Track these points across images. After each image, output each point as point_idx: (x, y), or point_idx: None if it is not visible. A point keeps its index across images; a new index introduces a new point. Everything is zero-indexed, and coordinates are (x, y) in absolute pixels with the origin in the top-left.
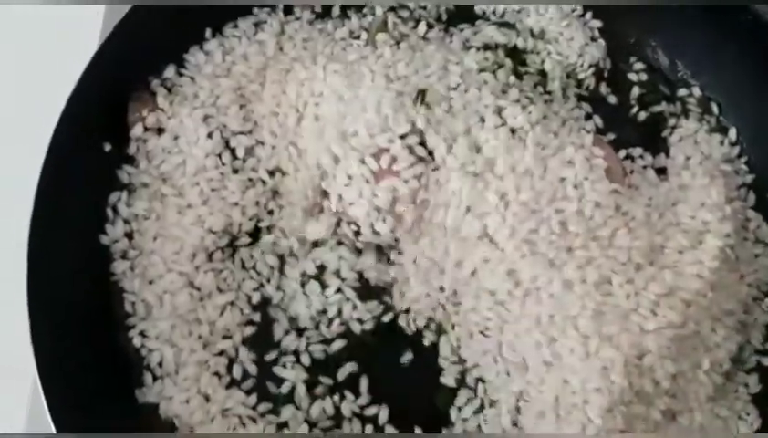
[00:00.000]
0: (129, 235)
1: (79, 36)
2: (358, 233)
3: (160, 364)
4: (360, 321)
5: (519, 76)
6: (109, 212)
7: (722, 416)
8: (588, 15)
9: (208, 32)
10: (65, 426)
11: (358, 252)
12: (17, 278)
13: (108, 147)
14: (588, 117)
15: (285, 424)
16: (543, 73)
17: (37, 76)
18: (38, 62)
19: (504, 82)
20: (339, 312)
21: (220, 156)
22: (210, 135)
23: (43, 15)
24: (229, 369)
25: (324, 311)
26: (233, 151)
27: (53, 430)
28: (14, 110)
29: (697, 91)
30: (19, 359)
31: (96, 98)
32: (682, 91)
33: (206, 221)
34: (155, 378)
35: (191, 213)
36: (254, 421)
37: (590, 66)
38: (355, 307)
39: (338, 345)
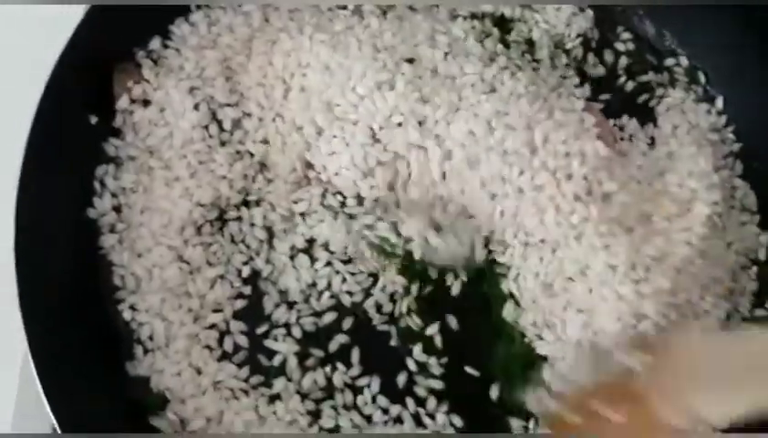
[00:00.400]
0: (117, 209)
1: (63, 8)
2: (343, 203)
3: (151, 337)
4: (350, 294)
5: (506, 45)
6: (97, 185)
7: None
8: None
9: (193, 4)
10: (57, 400)
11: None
12: (4, 254)
13: (94, 120)
14: (577, 86)
15: (277, 396)
16: (530, 42)
17: (20, 48)
18: (21, 33)
19: (492, 51)
20: (329, 285)
21: (207, 128)
22: (196, 107)
23: None
24: (220, 342)
25: (314, 284)
26: (219, 123)
27: (45, 404)
28: None
29: (684, 61)
30: (8, 337)
31: (80, 70)
32: (669, 61)
33: (194, 194)
34: (146, 351)
35: (178, 186)
36: (246, 393)
37: (578, 35)
38: (344, 280)
39: (329, 317)
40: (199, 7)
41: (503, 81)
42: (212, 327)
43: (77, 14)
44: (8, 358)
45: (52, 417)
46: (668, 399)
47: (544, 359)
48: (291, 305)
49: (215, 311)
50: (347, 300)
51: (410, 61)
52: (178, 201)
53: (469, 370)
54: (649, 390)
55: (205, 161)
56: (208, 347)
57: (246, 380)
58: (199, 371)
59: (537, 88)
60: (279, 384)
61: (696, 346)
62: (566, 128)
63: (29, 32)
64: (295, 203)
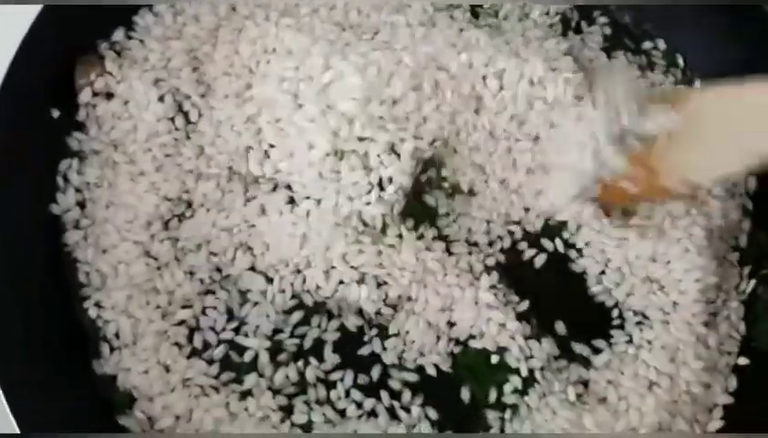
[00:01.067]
0: (82, 204)
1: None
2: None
3: (117, 335)
4: (310, 293)
5: (476, 15)
6: (60, 180)
7: None
8: None
9: None
10: (19, 402)
11: None
12: None
13: (56, 113)
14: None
15: (248, 392)
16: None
17: None
18: None
19: (461, 21)
20: (291, 285)
21: (173, 120)
22: (161, 99)
23: None
24: (189, 338)
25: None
26: (186, 115)
27: (6, 407)
28: None
29: (662, 44)
30: None
31: (41, 62)
32: (647, 44)
33: (161, 188)
34: (112, 349)
35: (144, 181)
36: (217, 390)
37: (556, 13)
38: (304, 281)
39: (297, 316)
40: None
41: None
42: (181, 323)
43: (36, 6)
44: None
45: (11, 416)
46: (671, 168)
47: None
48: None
49: (184, 307)
50: (308, 300)
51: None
52: (143, 195)
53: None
54: (659, 160)
55: (171, 154)
56: (177, 344)
57: (217, 377)
58: (167, 369)
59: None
60: (250, 380)
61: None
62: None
63: None
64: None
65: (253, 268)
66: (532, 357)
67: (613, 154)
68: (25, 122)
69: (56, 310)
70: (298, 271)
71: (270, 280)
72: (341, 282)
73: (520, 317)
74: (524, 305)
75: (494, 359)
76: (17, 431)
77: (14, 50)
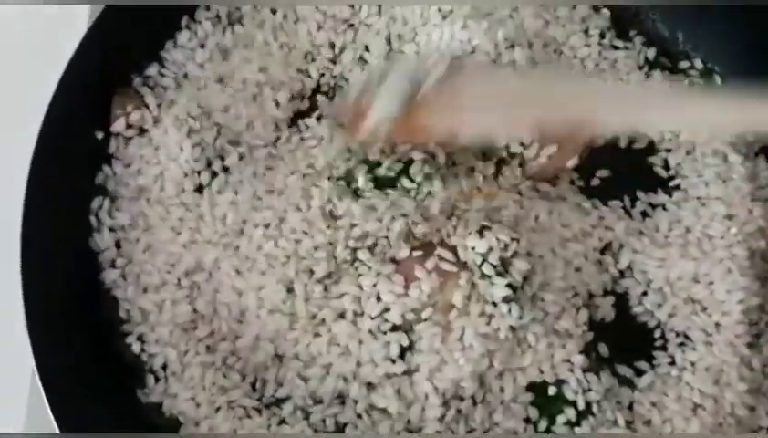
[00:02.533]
0: (117, 243)
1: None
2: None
3: (164, 367)
4: None
5: None
6: (93, 219)
7: None
8: None
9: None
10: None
11: None
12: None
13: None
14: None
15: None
16: None
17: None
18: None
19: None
20: None
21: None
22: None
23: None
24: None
25: None
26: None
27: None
28: None
29: (698, 63)
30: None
31: (79, 94)
32: (683, 64)
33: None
34: (157, 379)
35: (184, 229)
36: (260, 412)
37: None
38: None
39: None
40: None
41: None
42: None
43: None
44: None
45: None
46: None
47: None
48: None
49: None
50: None
51: None
52: (187, 244)
53: None
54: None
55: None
56: (222, 373)
57: (260, 399)
58: (212, 395)
59: None
60: (288, 408)
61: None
62: None
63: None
64: None
65: None
66: (590, 390)
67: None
68: (61, 153)
69: (99, 344)
70: None
71: None
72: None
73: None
74: (590, 336)
75: (552, 390)
76: None
77: (53, 84)
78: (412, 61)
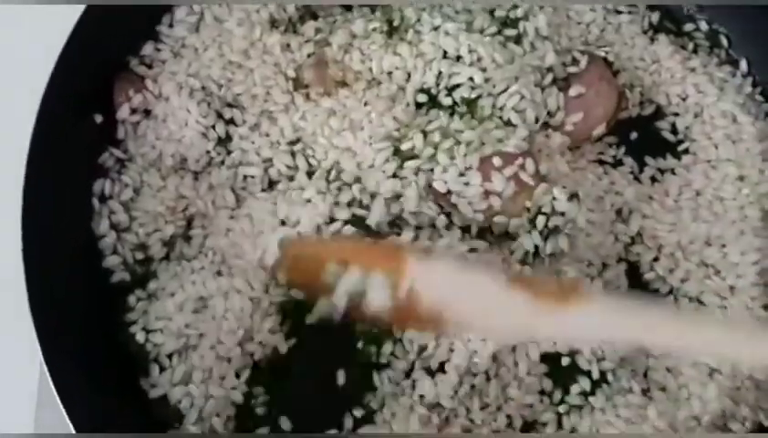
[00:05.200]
0: (116, 227)
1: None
2: None
3: (170, 356)
4: None
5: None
6: (96, 202)
7: None
8: None
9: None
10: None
11: None
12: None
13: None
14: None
15: None
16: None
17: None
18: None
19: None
20: None
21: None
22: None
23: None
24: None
25: None
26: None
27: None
28: None
29: (704, 25)
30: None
31: (76, 78)
32: (688, 26)
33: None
34: (162, 369)
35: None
36: None
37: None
38: None
39: None
40: None
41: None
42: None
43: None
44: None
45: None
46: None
47: None
48: None
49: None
50: None
51: None
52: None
53: None
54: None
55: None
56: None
57: None
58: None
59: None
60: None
61: None
62: None
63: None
64: None
65: None
66: (603, 359)
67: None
68: (61, 138)
69: (104, 331)
70: None
71: None
72: None
73: None
74: None
75: (565, 361)
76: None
77: (50, 69)
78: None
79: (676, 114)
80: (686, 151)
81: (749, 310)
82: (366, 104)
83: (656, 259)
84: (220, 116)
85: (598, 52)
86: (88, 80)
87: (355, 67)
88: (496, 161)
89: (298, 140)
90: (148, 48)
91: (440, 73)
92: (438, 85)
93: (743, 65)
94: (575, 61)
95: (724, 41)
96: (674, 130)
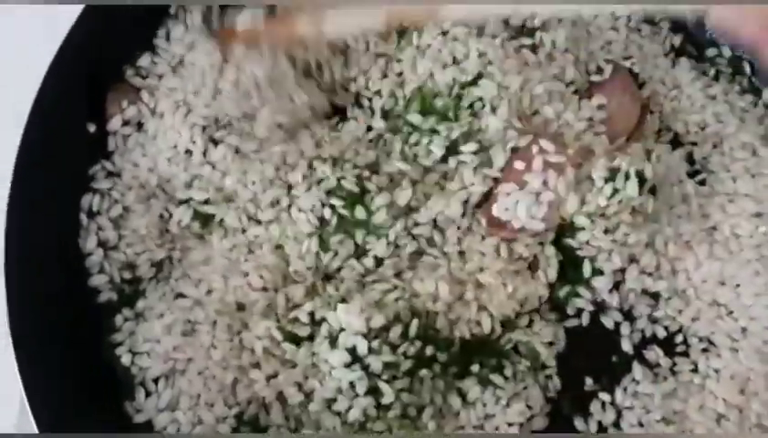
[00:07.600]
0: (104, 245)
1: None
2: None
3: (155, 381)
4: None
5: None
6: (83, 217)
7: None
8: None
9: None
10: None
11: None
12: None
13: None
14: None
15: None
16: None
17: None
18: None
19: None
20: None
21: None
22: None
23: None
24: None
25: None
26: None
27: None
28: None
29: (726, 51)
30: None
31: (69, 87)
32: (711, 51)
33: None
34: (148, 393)
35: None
36: None
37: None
38: None
39: None
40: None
41: None
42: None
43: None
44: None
45: None
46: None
47: None
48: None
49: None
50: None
51: None
52: None
53: None
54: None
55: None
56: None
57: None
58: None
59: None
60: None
61: None
62: None
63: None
64: None
65: None
66: None
67: None
68: (51, 151)
69: (87, 355)
70: None
71: None
72: None
73: None
74: None
75: None
76: None
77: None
78: None
79: (693, 143)
80: (702, 183)
81: (760, 354)
82: None
83: (668, 298)
84: (212, 140)
85: (624, 63)
86: (81, 88)
87: None
88: None
89: None
90: (145, 60)
91: None
92: None
93: (766, 94)
94: (599, 70)
95: (747, 68)
96: (691, 160)
